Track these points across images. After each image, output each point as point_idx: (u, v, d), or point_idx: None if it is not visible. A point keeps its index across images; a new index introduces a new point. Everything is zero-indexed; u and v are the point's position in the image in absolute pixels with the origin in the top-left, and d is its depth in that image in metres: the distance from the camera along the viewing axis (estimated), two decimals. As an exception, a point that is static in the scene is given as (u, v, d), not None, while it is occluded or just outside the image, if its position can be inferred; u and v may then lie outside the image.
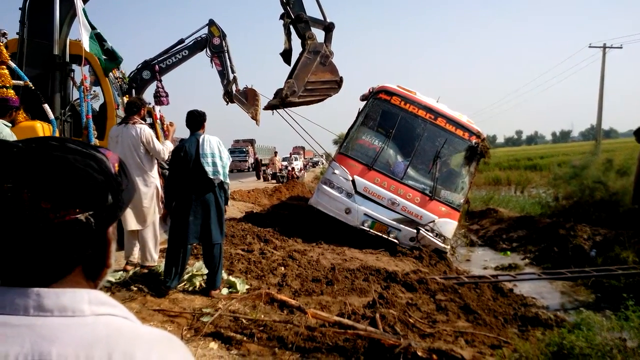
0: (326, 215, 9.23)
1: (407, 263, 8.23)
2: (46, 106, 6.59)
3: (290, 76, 8.92)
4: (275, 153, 32.69)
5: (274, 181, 27.18)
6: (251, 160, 45.75)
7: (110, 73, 8.01)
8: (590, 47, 35.31)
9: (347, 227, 9.13)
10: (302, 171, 37.01)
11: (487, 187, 25.71)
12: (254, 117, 10.39)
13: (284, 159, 35.17)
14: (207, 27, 10.94)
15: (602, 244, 9.39)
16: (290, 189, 21.31)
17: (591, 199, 11.95)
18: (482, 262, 10.64)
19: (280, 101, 8.95)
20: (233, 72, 10.89)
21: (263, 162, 34.62)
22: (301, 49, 9.08)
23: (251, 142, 51.20)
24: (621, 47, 35.20)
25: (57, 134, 6.76)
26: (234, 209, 13.03)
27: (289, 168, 29.54)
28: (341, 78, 9.04)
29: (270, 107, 9.35)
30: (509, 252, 11.38)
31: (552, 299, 7.78)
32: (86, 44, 6.66)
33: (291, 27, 9.00)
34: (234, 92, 10.35)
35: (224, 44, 10.95)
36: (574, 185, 12.92)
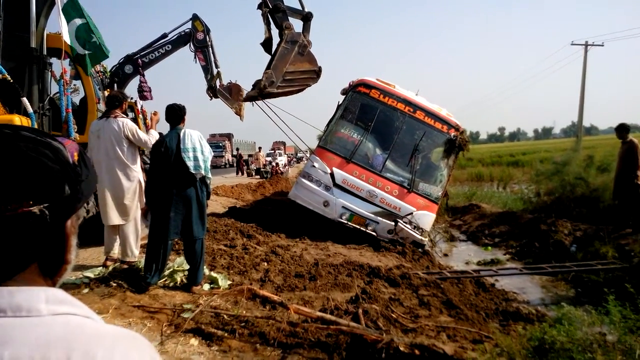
0: (305, 208, 9.22)
1: (390, 258, 8.24)
2: (25, 100, 6.47)
3: (268, 67, 8.85)
4: (259, 148, 32.46)
5: (258, 176, 27.08)
6: (228, 155, 44.65)
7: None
8: (572, 44, 35.73)
9: (326, 220, 9.13)
10: (287, 167, 36.93)
11: (470, 183, 25.92)
12: (238, 113, 10.31)
13: (267, 155, 34.94)
14: (190, 21, 10.83)
15: (583, 239, 9.51)
16: (274, 185, 21.25)
17: (572, 195, 12.08)
18: (464, 257, 10.70)
19: (259, 92, 8.88)
20: (217, 67, 10.80)
21: (244, 158, 34.31)
22: (279, 39, 9.02)
23: (228, 136, 49.44)
24: (603, 45, 35.71)
25: (35, 127, 6.64)
26: (217, 204, 12.93)
27: (273, 164, 29.45)
28: (320, 68, 8.99)
29: (248, 98, 9.28)
30: (490, 247, 11.47)
31: (533, 294, 7.85)
32: (66, 36, 6.51)
33: (270, 16, 8.92)
34: (218, 87, 10.25)
35: (207, 39, 10.85)
36: (556, 181, 13.06)
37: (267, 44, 9.21)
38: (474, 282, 7.27)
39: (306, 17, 8.99)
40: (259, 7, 8.87)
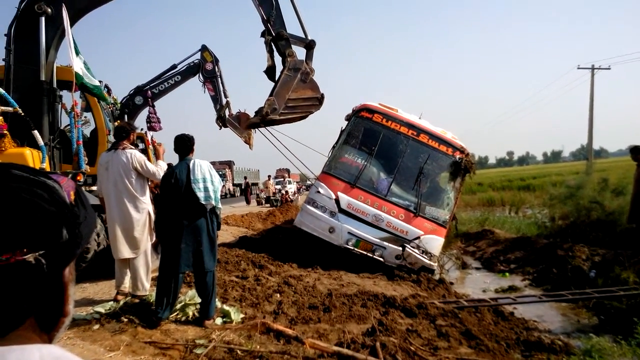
0: (311, 235, 9.10)
1: (405, 287, 8.08)
2: (36, 132, 6.47)
3: (271, 94, 8.87)
4: (269, 177, 32.44)
5: (268, 205, 27.04)
6: (229, 184, 43.77)
7: (101, 99, 7.91)
8: (579, 68, 35.79)
9: (332, 247, 8.99)
10: (296, 194, 36.84)
11: (482, 208, 25.69)
12: (247, 142, 10.30)
13: (277, 183, 34.92)
14: (199, 52, 10.93)
15: (601, 265, 9.27)
16: (284, 213, 21.16)
17: (588, 219, 11.88)
18: (480, 284, 10.49)
19: (261, 119, 8.87)
20: (226, 96, 10.85)
21: (251, 185, 34.00)
22: (282, 67, 9.06)
23: (229, 164, 47.78)
24: (609, 68, 35.69)
25: (47, 161, 6.63)
26: (227, 234, 12.85)
27: (283, 192, 29.42)
28: (322, 95, 8.98)
29: (251, 125, 9.27)
30: (507, 274, 11.25)
31: (554, 322, 7.63)
32: (77, 67, 6.56)
33: (272, 44, 8.98)
34: (227, 116, 10.26)
35: (216, 69, 10.94)
36: (570, 205, 12.87)
37: (270, 72, 9.25)
38: (493, 310, 7.07)
39: (309, 45, 9.03)
40: (262, 35, 8.94)
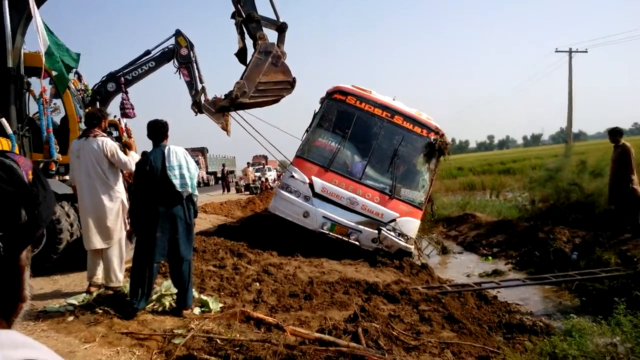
0: (286, 220, 9.01)
1: (387, 273, 8.03)
2: (3, 120, 6.24)
3: (241, 77, 8.67)
4: (248, 164, 32.11)
5: (247, 193, 26.84)
6: (203, 172, 42.11)
7: (72, 85, 7.65)
8: (556, 51, 36.07)
9: (308, 231, 8.90)
10: (276, 182, 36.63)
11: (463, 192, 25.84)
12: (225, 128, 10.12)
13: (257, 170, 34.60)
14: (174, 37, 10.65)
15: (583, 246, 9.36)
16: (264, 200, 20.95)
17: (567, 201, 11.98)
18: (464, 269, 10.52)
19: (230, 102, 8.65)
20: (201, 82, 10.62)
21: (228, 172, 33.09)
22: (253, 50, 8.86)
23: (202, 151, 45.07)
24: (586, 52, 36.04)
25: (16, 149, 6.40)
26: (205, 222, 12.69)
27: (263, 179, 29.24)
28: (294, 79, 8.80)
29: (220, 108, 9.06)
30: (490, 258, 11.31)
31: (537, 304, 7.68)
32: (42, 53, 6.29)
33: (243, 26, 8.76)
34: (203, 102, 10.05)
35: (191, 55, 10.68)
36: (550, 187, 12.96)
37: (241, 55, 9.03)
38: (476, 295, 7.09)
39: (281, 28, 8.84)
40: (233, 16, 8.73)
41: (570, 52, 35.42)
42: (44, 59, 6.37)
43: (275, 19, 8.86)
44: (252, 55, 8.70)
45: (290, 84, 8.72)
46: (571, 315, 4.67)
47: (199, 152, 43.34)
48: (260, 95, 8.65)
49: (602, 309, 5.95)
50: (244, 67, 8.88)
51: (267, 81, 8.59)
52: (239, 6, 8.55)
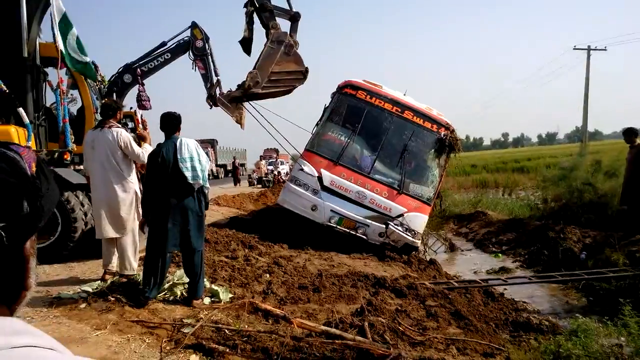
0: (295, 213, 9.06)
1: (395, 268, 8.08)
2: (21, 110, 6.35)
3: (254, 67, 8.67)
4: (261, 157, 32.20)
5: (260, 186, 26.95)
6: (212, 165, 41.43)
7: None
8: (574, 49, 35.65)
9: (316, 225, 8.95)
10: (289, 175, 36.55)
11: (475, 190, 25.72)
12: (239, 121, 10.18)
13: (269, 163, 34.66)
14: (189, 29, 10.71)
15: (592, 246, 9.31)
16: (276, 194, 21.02)
17: (580, 201, 11.90)
18: (472, 265, 10.52)
19: (243, 92, 8.67)
20: (216, 75, 10.66)
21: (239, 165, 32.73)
22: (265, 39, 8.87)
23: (211, 143, 43.94)
24: (605, 49, 35.55)
25: (32, 139, 6.53)
26: (218, 215, 12.79)
27: (275, 172, 29.34)
28: (306, 68, 8.79)
29: (232, 99, 9.08)
30: (499, 255, 11.28)
31: (544, 303, 7.66)
32: (60, 43, 6.37)
33: (255, 15, 8.77)
34: (218, 95, 10.11)
35: (207, 47, 10.72)
36: (563, 187, 12.88)
37: (245, 43, 9.04)
38: (483, 291, 7.09)
39: (293, 17, 8.83)
40: (245, 5, 8.73)
41: (588, 49, 35.01)
42: (66, 58, 6.44)
43: (288, 8, 8.88)
44: (265, 45, 8.72)
45: (303, 74, 8.74)
46: (577, 315, 4.69)
47: (208, 144, 42.41)
48: (273, 86, 8.68)
49: (609, 309, 5.94)
50: (255, 59, 8.92)
51: (279, 71, 8.61)
52: None
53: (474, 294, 6.86)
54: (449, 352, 4.45)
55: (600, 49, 35.42)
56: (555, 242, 9.86)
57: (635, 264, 7.75)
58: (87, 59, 6.94)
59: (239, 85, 8.80)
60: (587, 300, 7.55)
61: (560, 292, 8.24)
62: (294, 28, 8.87)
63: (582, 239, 9.82)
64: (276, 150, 45.80)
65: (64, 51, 6.44)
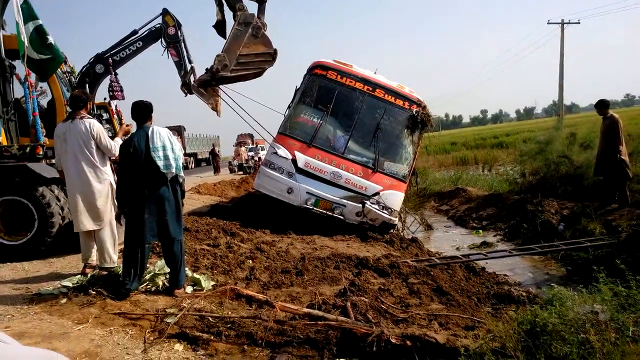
0: (270, 197, 9.07)
1: (378, 248, 8.14)
2: (-12, 105, 6.19)
3: (222, 50, 8.55)
4: (241, 144, 31.94)
5: (241, 172, 26.82)
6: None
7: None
8: (548, 23, 35.94)
9: (293, 207, 8.98)
10: (263, 159, 36.27)
11: (455, 167, 25.96)
12: (215, 108, 10.03)
13: (250, 149, 34.46)
14: (161, 16, 10.48)
15: (570, 218, 9.49)
16: (258, 180, 21.05)
17: (557, 174, 12.08)
18: (454, 242, 10.65)
19: (211, 76, 8.54)
20: (190, 62, 10.45)
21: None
22: (234, 22, 8.73)
23: (178, 130, 41.26)
24: (579, 23, 35.87)
25: (2, 133, 6.39)
26: (199, 203, 12.72)
27: (256, 158, 29.22)
28: (275, 50, 8.68)
29: (201, 83, 8.96)
30: (480, 231, 11.43)
31: (524, 275, 7.81)
32: (24, 36, 6.18)
33: None
34: (193, 82, 9.96)
35: (179, 34, 10.51)
36: (540, 160, 13.06)
37: (219, 27, 8.88)
38: (464, 267, 7.19)
39: None
40: None
41: (562, 23, 35.27)
42: (26, 42, 6.25)
43: None
44: (232, 27, 8.60)
45: (272, 56, 8.61)
46: (552, 284, 4.79)
47: (174, 131, 37.09)
48: (242, 69, 8.55)
49: (587, 277, 6.07)
50: (219, 35, 8.78)
51: (248, 53, 8.48)
52: None
53: (456, 270, 6.95)
54: (431, 328, 4.50)
55: (574, 23, 35.74)
56: (534, 214, 10.04)
57: (611, 233, 7.92)
58: (47, 55, 6.69)
59: (207, 69, 8.66)
60: (566, 270, 7.73)
61: (540, 263, 8.39)
62: (261, 10, 8.74)
63: (559, 210, 10.00)
64: (251, 136, 44.67)
65: (26, 43, 6.23)
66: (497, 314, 5.39)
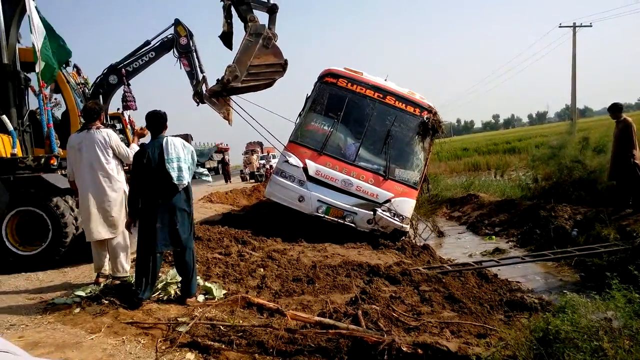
0: (282, 205, 9.09)
1: (389, 255, 8.11)
2: (4, 117, 6.31)
3: (233, 61, 8.61)
4: (252, 152, 32.06)
5: (252, 181, 26.92)
6: None
7: (72, 79, 7.70)
8: (560, 26, 35.65)
9: (303, 216, 8.99)
10: (274, 168, 36.33)
11: (467, 173, 25.84)
12: (226, 117, 10.13)
13: (261, 158, 34.57)
14: (173, 27, 10.62)
15: (583, 223, 9.39)
16: (269, 188, 21.07)
17: (570, 178, 11.97)
18: (466, 249, 10.60)
19: (222, 87, 8.59)
20: (202, 71, 10.59)
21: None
22: (244, 33, 8.80)
23: (185, 138, 42.64)
24: (591, 26, 35.60)
25: (17, 145, 6.49)
26: (210, 212, 12.79)
27: (267, 166, 29.33)
28: (286, 61, 8.72)
29: (212, 93, 9.02)
30: (494, 237, 11.36)
31: (537, 282, 7.74)
32: (38, 49, 6.30)
33: (233, 9, 8.69)
34: (204, 92, 10.06)
35: (191, 44, 10.65)
36: (553, 165, 12.95)
37: (226, 38, 8.96)
38: (477, 274, 7.14)
39: (271, 9, 8.76)
40: None
41: (574, 26, 35.01)
42: (40, 61, 6.35)
43: (266, 0, 8.81)
44: (243, 38, 8.66)
45: (282, 67, 8.67)
46: (565, 291, 4.75)
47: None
48: (253, 79, 8.61)
49: (601, 284, 6.00)
50: (236, 52, 8.85)
51: (258, 64, 8.54)
52: None
53: (468, 277, 6.91)
54: (442, 336, 4.48)
55: (586, 26, 35.49)
56: (547, 220, 9.96)
57: (625, 238, 7.83)
58: (55, 66, 6.79)
59: (218, 80, 8.74)
60: (579, 276, 7.65)
61: (553, 269, 8.32)
62: (272, 20, 8.81)
63: (573, 216, 9.91)
64: (260, 144, 44.92)
65: (39, 55, 6.33)
66: (510, 322, 5.35)
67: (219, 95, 8.97)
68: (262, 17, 8.79)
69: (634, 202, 9.02)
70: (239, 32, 8.90)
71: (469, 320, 5.11)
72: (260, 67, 8.60)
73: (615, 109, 9.23)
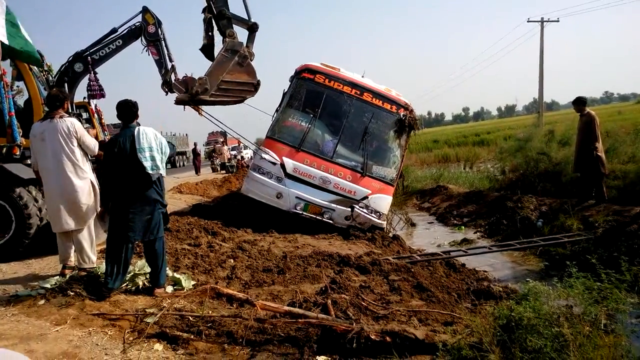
0: (259, 202, 9.07)
1: (360, 246, 8.19)
2: (-38, 107, 6.08)
3: (205, 73, 8.52)
4: (223, 142, 31.71)
5: (223, 172, 26.66)
6: None
7: (34, 66, 7.47)
8: (528, 21, 36.32)
9: (282, 212, 8.98)
10: (251, 164, 36.07)
11: (437, 165, 26.16)
12: (196, 108, 10.00)
13: (232, 149, 34.29)
14: (140, 14, 10.39)
15: (548, 214, 9.63)
16: (240, 179, 20.86)
17: (536, 171, 12.25)
18: (435, 239, 10.75)
19: (190, 97, 8.50)
20: (171, 60, 10.37)
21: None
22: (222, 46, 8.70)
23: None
24: (558, 21, 36.35)
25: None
26: (180, 203, 12.66)
27: (238, 157, 29.12)
28: (258, 81, 8.66)
29: (178, 101, 8.91)
30: (462, 227, 11.55)
31: (504, 271, 7.92)
32: (3, 35, 6.08)
33: (214, 22, 8.58)
34: (173, 81, 9.90)
35: (159, 32, 10.42)
36: (520, 157, 13.22)
37: (206, 50, 8.86)
38: (445, 263, 7.27)
39: (251, 28, 8.66)
40: (204, 11, 8.52)
41: (542, 21, 35.67)
42: (6, 40, 6.13)
43: (247, 18, 8.71)
44: (219, 52, 8.56)
45: (254, 87, 8.56)
46: (528, 279, 4.88)
47: None
48: (222, 94, 8.48)
49: (564, 272, 6.18)
50: (206, 58, 8.72)
51: (230, 80, 8.42)
52: (210, 2, 8.38)
53: (437, 266, 7.02)
54: (410, 324, 4.55)
55: (553, 21, 36.21)
56: (514, 211, 10.17)
57: (588, 228, 8.07)
58: (26, 40, 6.59)
59: (186, 89, 8.60)
60: (544, 265, 7.85)
61: (519, 259, 8.52)
62: (251, 39, 8.69)
63: (538, 207, 10.15)
64: (224, 134, 42.64)
65: (5, 40, 6.11)
66: (476, 310, 5.46)
67: (185, 104, 8.82)
68: (242, 33, 8.67)
69: (596, 194, 9.27)
70: (220, 44, 8.75)
71: (437, 309, 5.20)
72: (232, 84, 8.48)
73: (580, 103, 9.45)
